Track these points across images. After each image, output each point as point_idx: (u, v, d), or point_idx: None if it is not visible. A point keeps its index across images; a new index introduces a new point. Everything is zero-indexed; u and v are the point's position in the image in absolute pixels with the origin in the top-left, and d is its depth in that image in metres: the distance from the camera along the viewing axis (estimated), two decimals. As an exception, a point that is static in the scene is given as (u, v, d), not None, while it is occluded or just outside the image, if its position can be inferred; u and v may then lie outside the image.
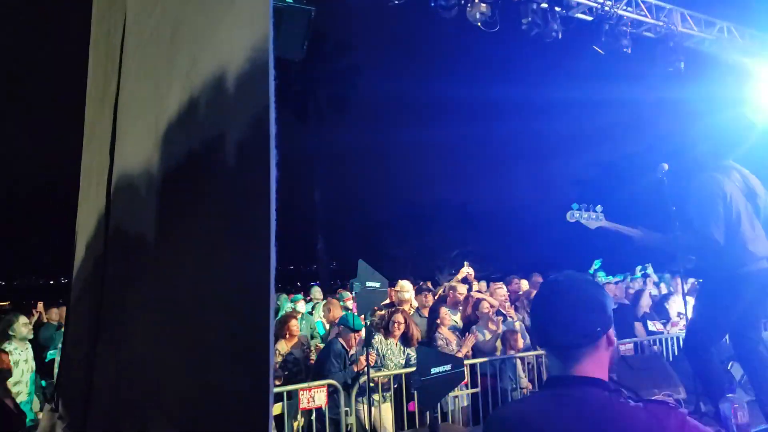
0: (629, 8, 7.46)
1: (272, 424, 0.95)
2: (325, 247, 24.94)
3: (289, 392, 4.51)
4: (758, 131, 3.99)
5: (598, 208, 4.01)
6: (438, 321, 5.95)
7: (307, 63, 22.86)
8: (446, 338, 5.86)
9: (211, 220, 1.16)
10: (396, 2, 6.32)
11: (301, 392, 4.35)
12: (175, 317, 1.24)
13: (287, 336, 5.61)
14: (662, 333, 7.09)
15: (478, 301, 6.32)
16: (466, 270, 7.45)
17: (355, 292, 4.15)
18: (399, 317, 5.29)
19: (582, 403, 1.42)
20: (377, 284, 4.28)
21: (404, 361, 5.27)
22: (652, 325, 7.34)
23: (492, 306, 6.25)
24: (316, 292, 8.58)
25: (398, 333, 5.27)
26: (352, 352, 5.02)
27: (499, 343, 6.00)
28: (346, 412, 4.62)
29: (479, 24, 6.69)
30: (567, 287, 1.56)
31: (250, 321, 1.00)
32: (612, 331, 1.51)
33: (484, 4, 6.57)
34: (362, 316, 4.70)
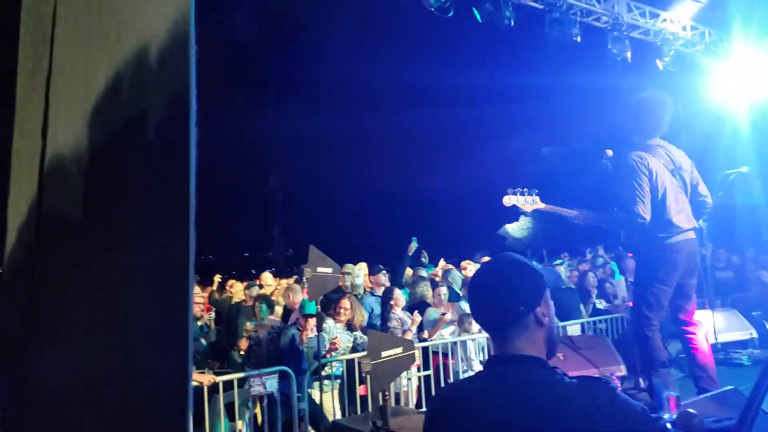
0: (578, -3, 7.61)
1: (190, 412, 0.96)
2: (280, 234, 24.67)
3: (240, 380, 4.49)
4: (673, 112, 4.16)
5: (534, 191, 4.12)
6: (392, 302, 6.00)
7: (263, 44, 22.38)
8: (401, 318, 5.93)
9: (133, 201, 1.14)
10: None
11: (252, 379, 4.33)
12: (103, 304, 1.22)
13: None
14: (609, 312, 7.36)
15: (435, 284, 6.43)
16: (414, 245, 7.58)
17: (306, 278, 4.13)
18: (345, 302, 5.29)
19: (518, 381, 1.46)
20: (329, 270, 4.27)
21: (351, 344, 5.31)
22: (599, 304, 7.61)
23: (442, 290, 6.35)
24: (268, 278, 8.45)
25: (344, 318, 5.28)
26: (310, 335, 5.00)
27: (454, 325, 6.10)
28: (299, 397, 4.62)
29: (433, 9, 6.70)
30: (491, 269, 1.62)
31: (168, 306, 1.00)
32: (542, 311, 1.54)
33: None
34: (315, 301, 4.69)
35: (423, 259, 8.42)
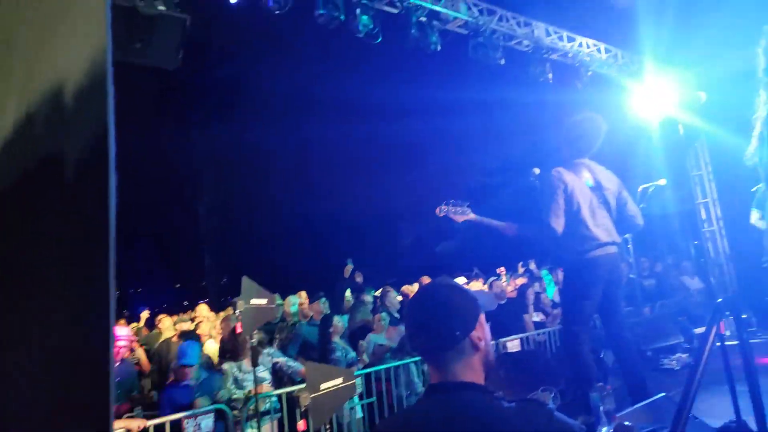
0: (501, 23, 7.90)
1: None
2: (213, 262, 23.91)
3: (174, 423, 4.25)
4: (604, 134, 4.37)
5: (465, 203, 4.25)
6: (331, 330, 5.90)
7: (186, 70, 21.92)
8: (344, 348, 5.83)
9: (47, 247, 1.08)
10: (278, 12, 6.21)
11: (185, 421, 4.11)
12: (13, 353, 1.12)
13: None
14: (546, 325, 7.55)
15: (374, 310, 6.39)
16: (350, 267, 7.54)
17: (240, 311, 3.97)
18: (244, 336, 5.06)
19: (458, 409, 1.46)
20: (264, 301, 4.13)
21: (269, 372, 5.10)
22: (536, 316, 7.80)
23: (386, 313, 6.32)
24: (203, 310, 8.09)
25: (247, 350, 5.05)
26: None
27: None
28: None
29: (362, 35, 6.76)
30: (426, 295, 1.63)
31: (86, 352, 0.94)
32: (477, 335, 1.55)
33: (365, 17, 6.65)
34: (248, 335, 4.52)
35: (358, 279, 8.35)
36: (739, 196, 5.30)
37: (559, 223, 4.08)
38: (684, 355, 5.94)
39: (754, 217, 5.13)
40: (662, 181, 6.58)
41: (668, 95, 9.79)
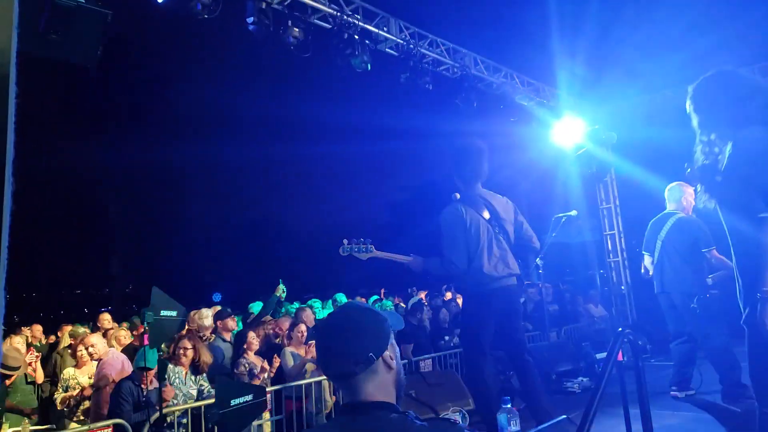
0: (430, 48, 8.09)
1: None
2: (120, 269, 22.67)
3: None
4: (487, 157, 4.51)
5: (368, 240, 4.30)
6: (245, 346, 5.76)
7: (104, 68, 20.87)
8: (252, 362, 5.68)
9: None
10: (206, 17, 6.05)
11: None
12: None
13: None
14: (455, 348, 7.69)
15: (293, 324, 6.25)
16: (281, 288, 7.32)
17: (148, 323, 3.79)
18: (186, 343, 4.90)
19: (371, 428, 1.46)
20: (174, 313, 3.96)
21: (196, 392, 4.92)
22: (447, 341, 7.93)
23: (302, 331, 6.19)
24: (105, 320, 7.60)
25: (186, 360, 4.91)
26: (152, 387, 4.53)
27: (311, 366, 5.96)
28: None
29: (292, 47, 6.71)
30: (337, 318, 1.64)
31: None
32: (389, 354, 1.57)
33: (297, 29, 6.61)
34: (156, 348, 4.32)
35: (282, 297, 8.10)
36: (643, 229, 5.63)
37: (460, 259, 4.23)
38: (585, 379, 6.22)
39: (648, 260, 5.48)
40: (574, 212, 6.94)
41: (582, 129, 10.38)
